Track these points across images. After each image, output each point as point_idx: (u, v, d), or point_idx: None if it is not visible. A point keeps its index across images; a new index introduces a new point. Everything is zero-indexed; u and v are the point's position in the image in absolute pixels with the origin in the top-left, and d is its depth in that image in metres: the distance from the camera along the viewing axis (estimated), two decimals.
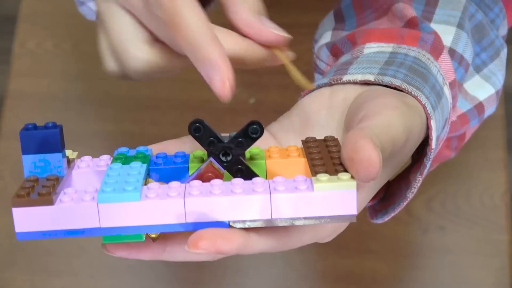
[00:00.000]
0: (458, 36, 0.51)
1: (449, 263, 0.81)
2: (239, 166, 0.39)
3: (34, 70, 0.94)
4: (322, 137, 0.42)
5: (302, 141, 0.41)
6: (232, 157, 0.39)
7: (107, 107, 0.90)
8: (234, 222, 0.36)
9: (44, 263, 0.84)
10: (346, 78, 0.46)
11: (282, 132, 0.46)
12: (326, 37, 0.57)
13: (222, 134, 0.40)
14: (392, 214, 0.49)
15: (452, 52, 0.50)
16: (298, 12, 0.91)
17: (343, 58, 0.51)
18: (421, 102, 0.44)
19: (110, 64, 0.44)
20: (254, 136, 0.38)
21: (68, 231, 0.36)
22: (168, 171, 0.40)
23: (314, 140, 0.41)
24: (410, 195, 0.46)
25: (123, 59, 0.42)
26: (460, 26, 0.51)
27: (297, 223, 0.36)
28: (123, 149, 0.42)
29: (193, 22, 0.38)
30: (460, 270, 0.81)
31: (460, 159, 0.85)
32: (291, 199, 0.35)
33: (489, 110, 0.55)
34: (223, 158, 0.39)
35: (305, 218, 0.36)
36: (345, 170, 0.36)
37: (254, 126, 0.38)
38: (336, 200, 0.35)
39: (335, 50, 0.53)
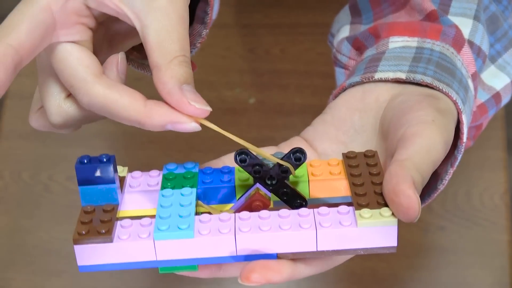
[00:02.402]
0: (475, 29, 0.51)
1: (449, 263, 0.81)
2: (285, 190, 0.41)
3: (34, 70, 0.94)
4: (360, 146, 0.44)
5: (343, 155, 0.43)
6: (277, 181, 0.41)
7: None
8: (282, 254, 0.38)
9: (44, 263, 0.84)
10: (377, 76, 0.47)
11: (317, 140, 0.47)
12: (344, 31, 0.57)
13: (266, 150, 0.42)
14: (422, 205, 0.50)
15: (470, 44, 0.51)
16: (298, 12, 0.91)
17: (368, 52, 0.51)
18: (452, 99, 0.45)
19: (33, 117, 0.45)
20: (298, 163, 0.41)
21: (126, 264, 0.38)
22: (216, 189, 0.43)
23: (355, 156, 0.42)
24: (441, 187, 0.48)
25: (46, 112, 0.43)
26: (476, 18, 0.52)
27: (340, 254, 0.38)
28: (171, 166, 0.44)
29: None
30: (460, 270, 0.81)
31: (460, 159, 0.85)
32: (336, 234, 0.38)
33: (505, 99, 0.57)
34: (269, 182, 0.41)
35: (347, 250, 0.38)
36: (387, 204, 0.38)
37: (298, 154, 0.40)
38: (377, 234, 0.38)
39: (358, 44, 0.54)
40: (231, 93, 0.89)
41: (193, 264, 0.39)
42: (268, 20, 0.91)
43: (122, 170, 0.43)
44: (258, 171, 0.41)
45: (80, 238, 0.38)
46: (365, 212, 0.38)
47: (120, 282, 0.84)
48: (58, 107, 0.42)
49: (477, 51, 0.51)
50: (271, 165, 0.41)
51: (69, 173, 0.87)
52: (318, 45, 0.90)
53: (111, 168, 0.40)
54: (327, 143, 0.47)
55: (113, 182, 0.40)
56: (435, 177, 0.48)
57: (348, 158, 0.42)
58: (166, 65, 0.39)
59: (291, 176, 0.42)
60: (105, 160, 0.40)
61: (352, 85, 0.48)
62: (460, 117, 0.45)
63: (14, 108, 0.91)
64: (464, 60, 0.50)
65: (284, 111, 0.87)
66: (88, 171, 0.40)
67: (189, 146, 0.86)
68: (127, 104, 0.39)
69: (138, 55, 0.50)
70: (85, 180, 0.40)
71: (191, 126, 0.39)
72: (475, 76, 0.51)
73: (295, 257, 0.39)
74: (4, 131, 0.90)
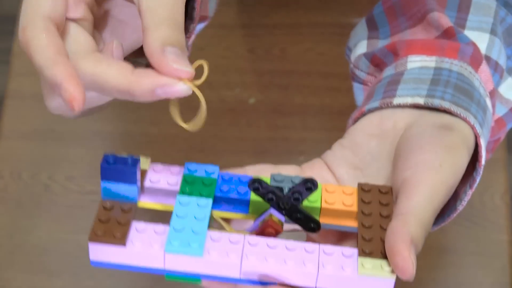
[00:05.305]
0: (492, 43, 0.52)
1: (449, 263, 0.81)
2: (298, 214, 0.44)
3: (34, 70, 0.93)
4: (375, 172, 0.46)
5: (359, 186, 0.45)
6: (290, 207, 0.44)
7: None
8: (283, 284, 0.41)
9: (44, 263, 0.84)
10: (396, 101, 0.47)
11: (336, 164, 0.48)
12: (362, 47, 0.58)
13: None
14: (442, 224, 0.51)
15: (487, 59, 0.51)
16: (298, 12, 0.91)
17: (387, 72, 0.52)
18: (470, 123, 0.46)
19: (49, 100, 0.47)
20: (309, 191, 0.44)
21: (136, 267, 0.41)
22: (231, 199, 0.45)
23: (369, 190, 0.45)
24: (460, 207, 0.49)
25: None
26: (493, 32, 0.52)
27: None
28: (192, 166, 0.45)
29: (40, 50, 0.40)
30: (460, 270, 0.81)
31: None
32: (336, 277, 0.40)
33: None
34: (283, 207, 0.44)
35: None
36: None
37: (309, 184, 0.43)
38: (375, 284, 0.40)
39: (376, 61, 0.54)
40: (231, 93, 0.89)
41: (199, 278, 0.41)
42: (268, 20, 0.91)
43: (144, 162, 0.45)
44: (271, 198, 0.44)
45: (95, 237, 0.40)
46: (367, 262, 0.40)
47: (120, 282, 0.84)
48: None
49: (494, 66, 0.51)
50: (285, 191, 0.44)
51: (69, 173, 0.87)
52: (318, 45, 0.90)
53: (136, 171, 0.42)
54: (344, 169, 0.48)
55: (134, 183, 0.42)
56: (454, 197, 0.49)
57: (363, 191, 0.45)
58: (153, 27, 0.40)
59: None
60: (130, 162, 0.42)
61: (371, 111, 0.48)
62: (478, 140, 0.46)
63: (14, 108, 0.91)
64: (482, 78, 0.50)
65: (284, 111, 0.87)
66: (113, 172, 0.42)
67: (189, 146, 0.86)
68: (115, 74, 0.39)
69: (131, 53, 0.51)
70: (108, 177, 0.42)
71: (180, 87, 0.39)
72: (493, 93, 0.51)
73: None
74: (4, 131, 0.90)
